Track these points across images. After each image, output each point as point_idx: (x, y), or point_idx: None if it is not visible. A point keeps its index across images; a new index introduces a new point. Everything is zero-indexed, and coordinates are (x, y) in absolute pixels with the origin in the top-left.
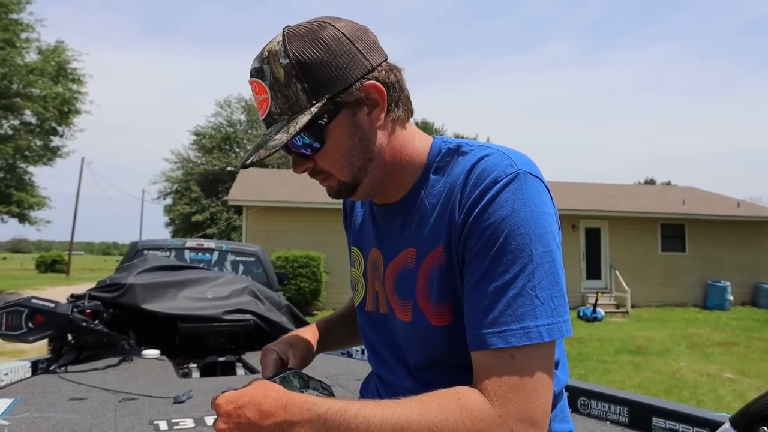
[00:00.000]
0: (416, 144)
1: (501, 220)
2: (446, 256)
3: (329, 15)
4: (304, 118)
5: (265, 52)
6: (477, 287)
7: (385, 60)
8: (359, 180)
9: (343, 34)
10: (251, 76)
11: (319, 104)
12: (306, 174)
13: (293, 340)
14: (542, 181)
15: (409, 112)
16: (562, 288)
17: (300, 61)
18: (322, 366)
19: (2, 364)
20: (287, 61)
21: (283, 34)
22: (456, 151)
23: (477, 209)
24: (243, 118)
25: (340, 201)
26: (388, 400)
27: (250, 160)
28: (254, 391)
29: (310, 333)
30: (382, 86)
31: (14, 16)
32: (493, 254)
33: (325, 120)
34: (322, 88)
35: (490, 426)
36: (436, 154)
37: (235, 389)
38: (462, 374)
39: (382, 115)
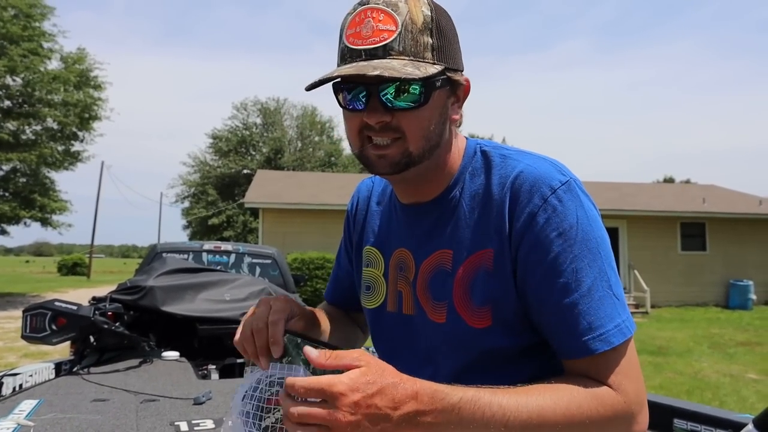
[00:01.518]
0: (458, 144)
1: (570, 228)
2: (495, 260)
3: None
4: (432, 68)
5: None
6: (562, 297)
7: None
8: (423, 158)
9: (455, 27)
10: (374, 3)
11: (439, 67)
12: (321, 177)
13: (300, 310)
14: (583, 186)
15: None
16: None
17: (438, 21)
18: None
19: (27, 366)
20: (429, 13)
21: None
22: (493, 154)
23: (541, 217)
24: (259, 121)
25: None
26: (515, 388)
27: (377, 72)
28: (382, 377)
29: (302, 310)
30: (470, 87)
31: (37, 24)
32: (570, 262)
33: (439, 84)
34: (444, 55)
35: (618, 412)
36: (471, 155)
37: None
38: (491, 376)
39: (459, 113)
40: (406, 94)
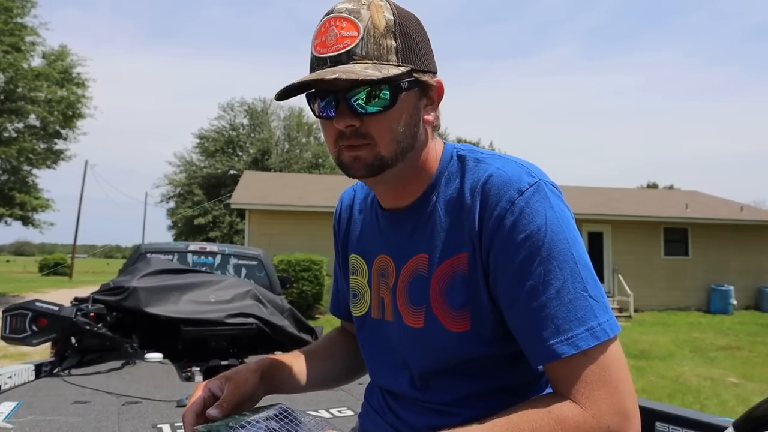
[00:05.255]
0: (435, 149)
1: (537, 230)
2: (470, 264)
3: None
4: (394, 70)
5: (364, 0)
6: (529, 301)
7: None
8: (396, 161)
9: (425, 30)
10: (337, 12)
11: (404, 68)
12: (306, 177)
13: (231, 375)
14: (557, 188)
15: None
16: (601, 285)
17: (402, 23)
18: None
19: (6, 368)
20: (391, 16)
21: None
22: (468, 158)
23: (508, 220)
24: (246, 121)
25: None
26: (472, 426)
27: (335, 76)
28: None
29: (257, 366)
30: (443, 89)
31: (19, 20)
32: (538, 264)
33: (406, 85)
34: (409, 57)
35: (586, 430)
36: (448, 160)
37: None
38: (468, 382)
39: (433, 115)
40: (374, 99)
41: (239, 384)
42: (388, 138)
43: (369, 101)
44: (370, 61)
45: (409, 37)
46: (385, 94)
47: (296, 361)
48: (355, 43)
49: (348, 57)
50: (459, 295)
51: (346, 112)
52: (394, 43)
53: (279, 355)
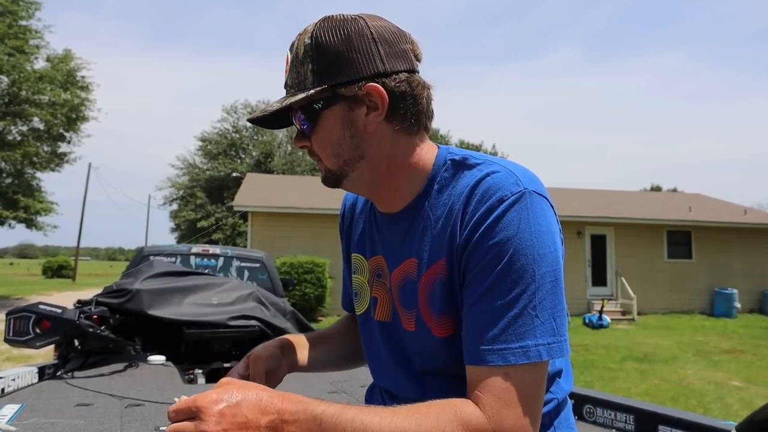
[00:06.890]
0: (422, 154)
1: (506, 240)
2: (448, 270)
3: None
4: (299, 96)
5: (302, 30)
6: (479, 303)
7: (410, 71)
8: (345, 173)
9: (371, 32)
10: (288, 47)
11: (318, 89)
12: (303, 182)
13: (255, 351)
14: (547, 199)
15: (422, 125)
16: (563, 308)
17: (318, 44)
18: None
19: (9, 370)
20: (309, 41)
21: (320, 19)
22: (461, 163)
23: (482, 228)
24: (248, 124)
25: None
26: (384, 407)
27: (251, 116)
28: (245, 390)
29: (278, 342)
30: (385, 92)
31: (23, 22)
32: (497, 273)
33: (320, 105)
34: (327, 75)
35: None
36: (441, 165)
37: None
38: (462, 386)
39: (380, 120)
40: (300, 125)
41: (262, 357)
42: (325, 154)
43: (303, 125)
44: (292, 90)
45: (325, 56)
46: (304, 118)
47: (313, 341)
48: (286, 76)
49: (285, 88)
50: (441, 300)
51: (298, 135)
52: (310, 67)
53: (296, 335)
